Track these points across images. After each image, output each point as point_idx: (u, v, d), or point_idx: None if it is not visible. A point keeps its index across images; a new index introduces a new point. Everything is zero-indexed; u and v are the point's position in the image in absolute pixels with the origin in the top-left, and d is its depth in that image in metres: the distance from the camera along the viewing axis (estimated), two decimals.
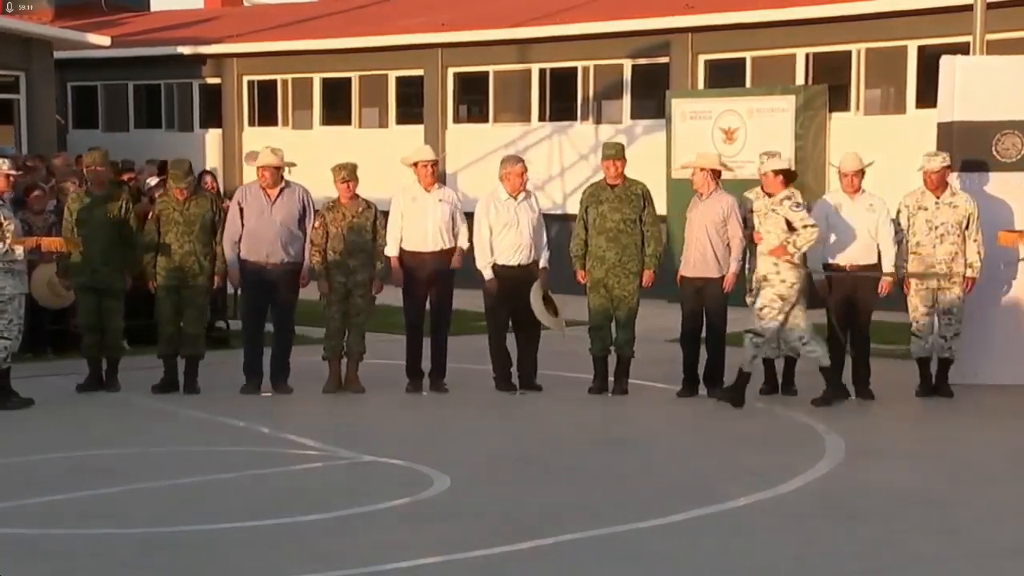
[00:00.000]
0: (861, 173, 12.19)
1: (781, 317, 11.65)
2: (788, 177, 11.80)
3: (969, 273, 12.25)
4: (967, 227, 12.23)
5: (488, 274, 12.37)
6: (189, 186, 12.47)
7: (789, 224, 11.55)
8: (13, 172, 11.96)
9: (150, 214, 12.63)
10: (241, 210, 12.38)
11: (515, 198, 12.39)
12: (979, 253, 12.24)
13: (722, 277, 12.16)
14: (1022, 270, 12.85)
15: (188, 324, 12.49)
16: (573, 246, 12.47)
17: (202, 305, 12.72)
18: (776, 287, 11.62)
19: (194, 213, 12.40)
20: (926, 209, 12.26)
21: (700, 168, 12.21)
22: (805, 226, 11.49)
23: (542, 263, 12.45)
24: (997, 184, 12.86)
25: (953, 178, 12.49)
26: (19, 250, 11.46)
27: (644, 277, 12.29)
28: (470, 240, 12.49)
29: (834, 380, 11.81)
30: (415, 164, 12.52)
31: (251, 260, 12.35)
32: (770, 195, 11.80)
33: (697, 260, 12.17)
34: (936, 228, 12.22)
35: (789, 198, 11.63)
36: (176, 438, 10.55)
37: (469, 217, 12.55)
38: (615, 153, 12.40)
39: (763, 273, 11.70)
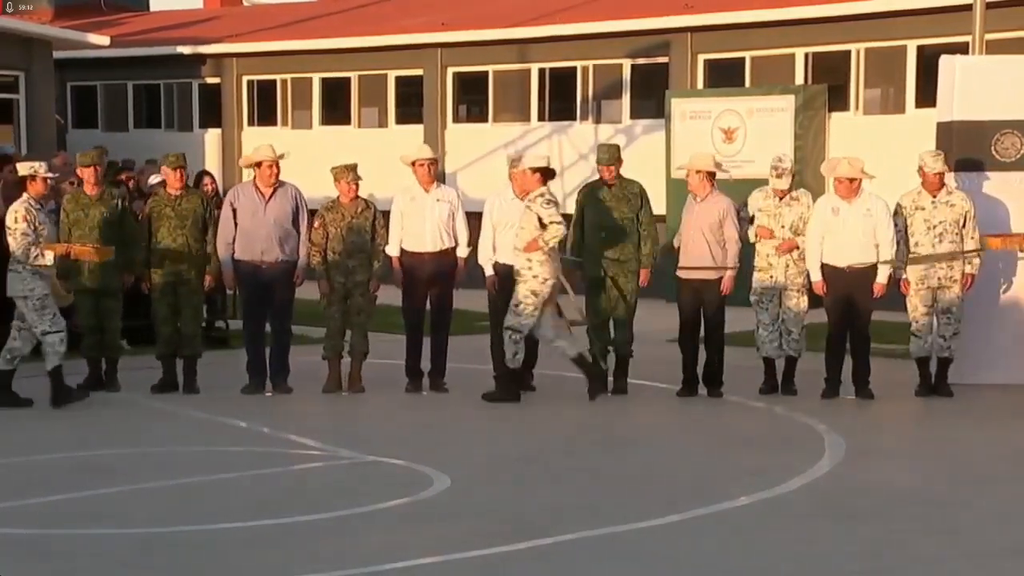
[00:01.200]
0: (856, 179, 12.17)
1: (537, 312, 11.82)
2: (545, 175, 11.90)
3: (968, 269, 12.25)
4: (964, 225, 12.24)
5: (488, 271, 12.43)
6: (184, 172, 12.51)
7: (541, 221, 11.67)
8: (51, 176, 11.94)
9: (140, 214, 12.61)
10: (234, 210, 12.37)
11: (521, 198, 12.41)
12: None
13: (720, 278, 12.17)
14: (1022, 269, 12.87)
15: (185, 324, 12.49)
16: (570, 246, 12.48)
17: (197, 304, 12.74)
18: (529, 283, 11.76)
19: (186, 208, 12.42)
20: (923, 209, 12.26)
21: (696, 171, 12.24)
22: (552, 222, 11.65)
23: None
24: (996, 184, 12.86)
25: (949, 177, 12.49)
26: (49, 255, 11.50)
27: (641, 276, 12.31)
28: (471, 245, 12.52)
29: (593, 371, 11.96)
30: (413, 163, 12.54)
31: (246, 260, 12.34)
32: (519, 193, 12.00)
33: (695, 261, 12.18)
34: (934, 227, 12.22)
35: (542, 195, 11.78)
36: (176, 438, 10.55)
37: (472, 217, 12.58)
38: (608, 159, 12.41)
39: (517, 268, 11.83)
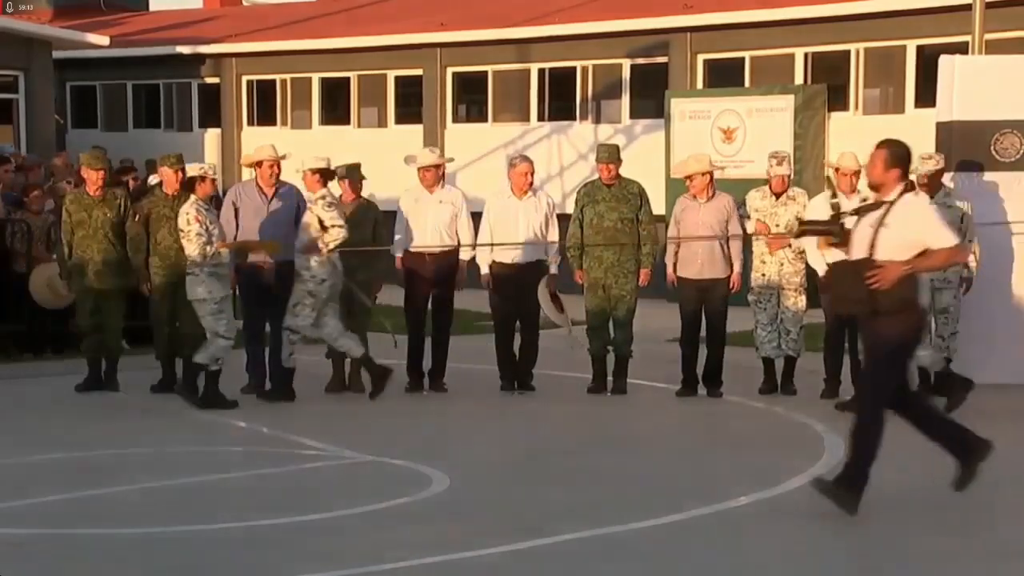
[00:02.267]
0: (859, 173, 12.21)
1: (314, 313, 11.87)
2: (325, 176, 11.94)
3: (965, 274, 12.24)
4: (962, 225, 12.22)
5: (484, 269, 12.49)
6: (183, 172, 12.52)
7: (322, 222, 11.72)
8: (215, 176, 11.93)
9: (136, 215, 12.59)
10: (236, 210, 12.36)
11: (519, 198, 12.43)
12: (975, 253, 12.24)
13: (727, 277, 12.20)
14: (1021, 268, 12.88)
15: (184, 324, 12.47)
16: (569, 246, 12.49)
17: None
18: (307, 283, 11.80)
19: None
20: None
21: (703, 173, 12.21)
22: (333, 225, 11.70)
23: (552, 269, 12.44)
24: (996, 183, 12.85)
25: (947, 178, 12.47)
26: (225, 253, 11.54)
27: (640, 276, 12.32)
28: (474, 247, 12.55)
29: (378, 371, 12.02)
30: (419, 168, 12.57)
31: (249, 260, 12.34)
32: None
33: (705, 261, 12.17)
34: None
35: (324, 197, 11.83)
36: (176, 438, 10.55)
37: (475, 217, 12.60)
38: (609, 157, 12.41)
39: (296, 267, 11.86)
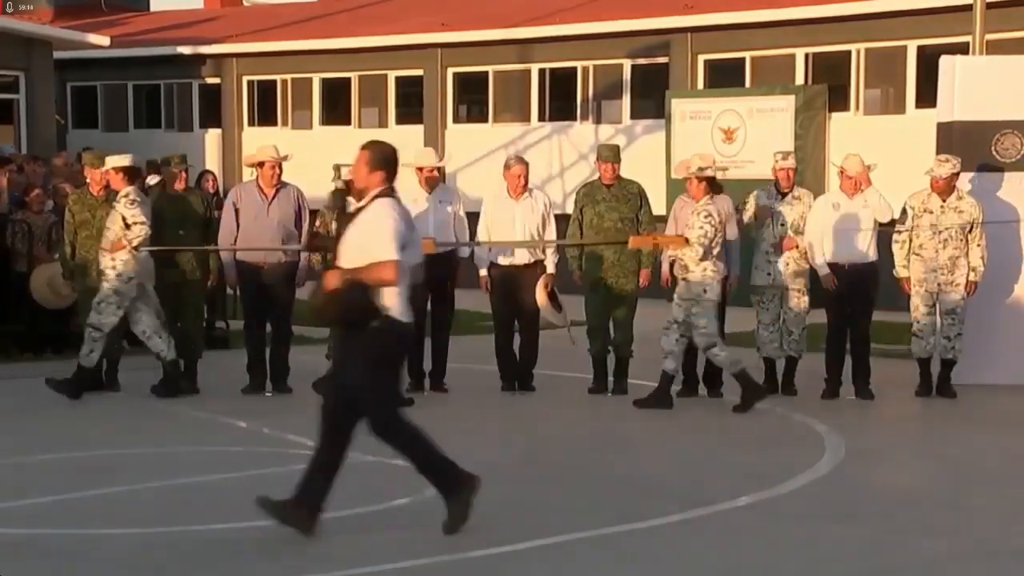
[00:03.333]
0: (863, 175, 12.20)
1: (120, 311, 11.89)
2: (129, 174, 11.91)
3: (972, 277, 12.22)
4: (971, 231, 12.22)
5: (482, 271, 12.48)
6: (187, 172, 12.55)
7: (125, 220, 11.73)
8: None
9: None
10: (236, 210, 12.38)
11: (515, 199, 12.43)
12: (982, 258, 12.23)
13: (725, 277, 12.19)
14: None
15: (187, 324, 12.49)
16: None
17: (199, 305, 12.73)
18: (112, 282, 11.80)
19: (187, 209, 12.43)
20: (931, 212, 12.24)
21: (698, 178, 12.13)
22: (135, 223, 11.69)
23: (549, 268, 12.43)
24: (996, 184, 12.86)
25: (964, 180, 12.44)
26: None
27: (641, 277, 12.31)
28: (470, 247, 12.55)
29: (175, 374, 12.01)
30: (420, 168, 12.56)
31: (248, 260, 12.35)
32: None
33: None
34: (940, 232, 12.20)
35: (127, 195, 11.81)
36: (176, 438, 10.55)
37: (471, 217, 12.59)
38: (611, 156, 12.41)
39: (102, 267, 11.87)
